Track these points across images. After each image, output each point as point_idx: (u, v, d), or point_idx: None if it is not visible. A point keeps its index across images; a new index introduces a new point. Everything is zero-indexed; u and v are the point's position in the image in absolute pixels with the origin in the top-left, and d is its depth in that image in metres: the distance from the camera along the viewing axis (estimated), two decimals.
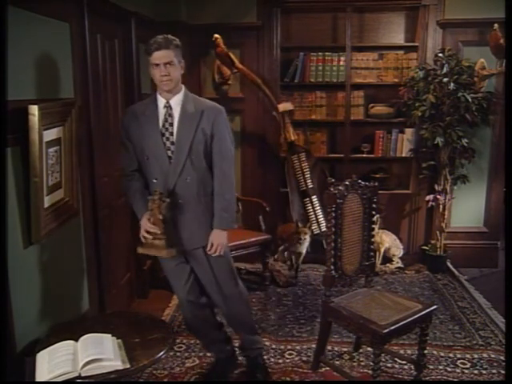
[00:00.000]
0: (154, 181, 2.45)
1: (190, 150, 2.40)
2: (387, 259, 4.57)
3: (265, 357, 3.08)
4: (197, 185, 2.45)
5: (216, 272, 2.59)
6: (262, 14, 4.45)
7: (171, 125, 2.42)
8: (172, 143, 2.41)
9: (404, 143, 4.61)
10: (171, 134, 2.41)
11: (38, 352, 1.99)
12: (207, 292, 2.66)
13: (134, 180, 2.52)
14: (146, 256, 3.16)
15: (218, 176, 2.49)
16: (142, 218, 2.46)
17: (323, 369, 2.96)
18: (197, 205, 2.48)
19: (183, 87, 2.48)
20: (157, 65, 2.33)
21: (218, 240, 2.50)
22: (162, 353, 2.08)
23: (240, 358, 2.97)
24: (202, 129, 2.41)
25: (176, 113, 2.42)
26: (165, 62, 2.32)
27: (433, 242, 4.57)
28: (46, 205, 2.29)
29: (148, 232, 2.42)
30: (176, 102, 2.43)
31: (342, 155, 4.69)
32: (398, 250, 4.55)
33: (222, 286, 2.62)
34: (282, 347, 3.23)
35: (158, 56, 2.31)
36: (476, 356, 3.13)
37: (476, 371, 2.96)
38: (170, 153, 2.42)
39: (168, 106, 2.42)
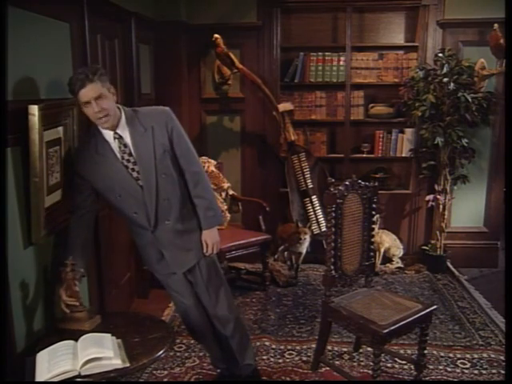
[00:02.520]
0: (135, 215, 2.36)
1: (156, 169, 2.30)
2: (387, 259, 4.57)
3: (264, 357, 3.09)
4: (176, 200, 2.39)
5: (208, 277, 2.55)
6: (262, 14, 4.45)
7: (130, 154, 2.29)
8: (138, 172, 2.31)
9: (404, 143, 4.61)
10: (134, 163, 2.30)
11: (38, 352, 1.99)
12: (202, 301, 2.60)
13: (83, 219, 2.37)
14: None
15: (190, 180, 2.42)
16: (59, 290, 2.24)
17: (323, 369, 2.96)
18: (185, 221, 2.43)
19: (121, 107, 2.31)
20: (87, 104, 2.15)
21: (212, 239, 2.48)
22: (161, 352, 2.08)
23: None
24: (159, 143, 2.31)
25: (127, 139, 2.28)
26: (94, 96, 2.14)
27: (433, 242, 4.57)
28: (46, 205, 2.29)
29: (67, 305, 2.24)
30: (122, 128, 2.28)
31: (342, 155, 4.69)
32: (398, 250, 4.55)
33: (212, 288, 2.57)
34: (282, 347, 3.23)
35: (85, 93, 2.13)
36: (476, 356, 3.13)
37: (476, 371, 2.96)
38: (140, 182, 2.31)
39: (118, 137, 2.28)
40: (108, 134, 2.29)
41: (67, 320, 2.28)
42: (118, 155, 2.30)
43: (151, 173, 2.31)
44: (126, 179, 2.31)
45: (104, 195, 2.39)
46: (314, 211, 4.43)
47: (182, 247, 2.46)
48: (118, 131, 2.28)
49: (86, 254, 2.41)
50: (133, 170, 2.31)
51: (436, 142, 4.19)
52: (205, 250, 2.49)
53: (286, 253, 4.41)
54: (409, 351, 3.15)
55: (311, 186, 4.45)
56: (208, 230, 2.48)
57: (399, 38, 4.66)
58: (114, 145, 2.29)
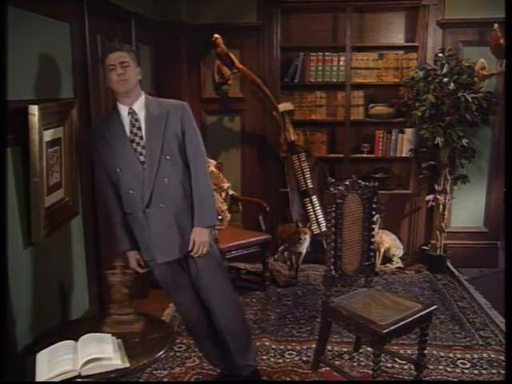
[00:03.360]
0: (130, 191, 2.38)
1: (162, 149, 2.35)
2: (387, 259, 4.57)
3: (264, 357, 3.09)
4: (176, 187, 2.41)
5: (206, 273, 2.53)
6: (262, 14, 4.45)
7: (139, 129, 2.37)
8: (143, 147, 2.36)
9: (404, 143, 4.61)
10: (141, 138, 2.36)
11: (38, 352, 1.99)
12: (203, 298, 2.60)
13: (116, 207, 2.47)
14: None
15: (193, 172, 2.45)
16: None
17: (323, 369, 2.96)
18: (180, 208, 2.43)
19: (143, 92, 2.44)
20: (112, 67, 2.29)
21: (199, 238, 2.43)
22: (161, 352, 2.08)
23: None
24: (171, 128, 2.38)
25: (141, 117, 2.38)
26: (120, 61, 2.29)
27: (433, 242, 4.57)
28: (46, 205, 2.29)
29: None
30: (139, 106, 2.39)
31: (342, 155, 4.69)
32: (397, 250, 4.55)
33: (214, 287, 2.55)
34: (282, 347, 3.23)
35: (113, 57, 2.30)
36: (476, 356, 3.12)
37: (476, 371, 2.96)
38: (142, 158, 2.36)
39: (132, 112, 2.37)
40: (123, 109, 2.38)
41: (114, 323, 2.26)
42: (127, 130, 2.37)
43: (156, 151, 2.36)
44: (128, 153, 2.36)
45: (109, 171, 2.42)
46: (314, 211, 4.43)
47: (169, 237, 2.43)
48: (133, 107, 2.37)
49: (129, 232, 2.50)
50: (138, 144, 2.37)
51: (436, 142, 4.19)
52: (190, 248, 2.45)
53: (285, 253, 4.41)
54: (409, 351, 3.15)
55: (311, 186, 4.45)
56: (198, 228, 2.45)
57: (399, 38, 4.66)
58: (126, 119, 2.37)
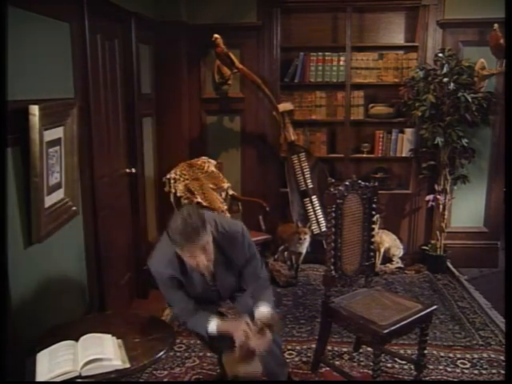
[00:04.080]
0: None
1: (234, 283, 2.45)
2: (387, 259, 4.57)
3: None
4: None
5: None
6: (261, 14, 4.45)
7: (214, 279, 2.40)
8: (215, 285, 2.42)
9: (404, 143, 4.61)
10: (215, 285, 2.41)
11: (38, 352, 1.99)
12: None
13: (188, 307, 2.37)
14: (146, 256, 3.14)
15: (257, 283, 2.44)
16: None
17: (323, 369, 2.96)
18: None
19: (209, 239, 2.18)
20: (193, 254, 2.12)
21: (259, 346, 2.15)
22: (162, 353, 2.08)
23: None
24: (236, 260, 2.37)
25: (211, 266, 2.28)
26: (201, 249, 2.11)
27: (433, 242, 4.57)
28: (46, 205, 2.29)
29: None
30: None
31: (342, 155, 4.69)
32: (397, 250, 4.55)
33: None
34: (282, 347, 3.22)
35: (193, 249, 2.09)
36: (476, 356, 3.13)
37: (476, 371, 2.96)
38: (215, 288, 2.43)
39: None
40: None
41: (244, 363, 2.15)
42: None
43: (229, 288, 2.48)
44: (204, 289, 2.38)
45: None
46: (314, 211, 4.43)
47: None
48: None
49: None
50: (212, 284, 2.40)
51: (436, 142, 4.19)
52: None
53: (285, 253, 4.41)
54: (409, 351, 3.15)
55: (311, 185, 4.45)
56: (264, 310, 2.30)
57: (399, 38, 4.66)
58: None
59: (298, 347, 3.23)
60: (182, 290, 2.34)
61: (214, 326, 2.24)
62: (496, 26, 3.89)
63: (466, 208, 4.65)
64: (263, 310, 2.27)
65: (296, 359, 3.09)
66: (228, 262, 2.36)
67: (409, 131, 4.57)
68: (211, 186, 4.07)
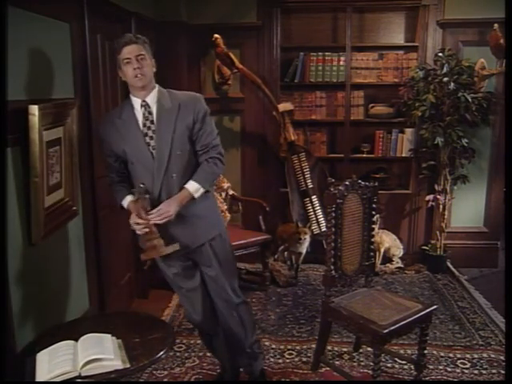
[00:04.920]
0: (141, 185, 2.34)
1: (172, 144, 2.31)
2: (387, 259, 4.57)
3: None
4: (185, 179, 2.37)
5: (223, 265, 2.52)
6: (261, 14, 4.45)
7: (152, 122, 2.33)
8: (155, 142, 2.34)
9: (404, 143, 4.61)
10: (154, 131, 2.33)
11: (38, 352, 1.99)
12: (213, 297, 2.59)
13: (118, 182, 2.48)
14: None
15: (208, 152, 2.42)
16: (132, 216, 2.32)
17: (323, 369, 2.96)
18: (190, 206, 2.39)
19: (157, 85, 2.40)
20: (128, 60, 2.25)
21: (167, 207, 2.30)
22: (162, 353, 2.08)
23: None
24: (182, 121, 2.33)
25: (154, 110, 2.34)
26: (136, 54, 2.25)
27: (433, 242, 4.57)
28: (46, 205, 2.29)
29: (140, 226, 2.29)
30: (152, 99, 2.34)
31: (342, 155, 4.69)
32: (398, 250, 4.55)
33: (227, 282, 2.56)
34: (282, 347, 3.23)
35: (129, 50, 2.25)
36: (476, 356, 3.13)
37: (476, 371, 2.96)
38: (154, 153, 2.33)
39: (145, 105, 2.33)
40: (136, 102, 2.34)
41: (148, 250, 2.32)
42: (140, 122, 2.34)
43: (167, 146, 2.33)
44: (141, 146, 2.34)
45: (119, 162, 2.43)
46: (314, 211, 4.43)
47: (182, 228, 2.40)
48: (146, 99, 2.34)
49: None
50: (151, 138, 2.34)
51: (436, 142, 4.19)
52: (153, 211, 2.30)
53: (285, 253, 4.41)
54: (409, 351, 3.15)
55: (311, 186, 4.45)
56: (190, 185, 2.35)
57: (399, 38, 4.66)
58: (139, 112, 2.34)
59: (297, 347, 3.23)
60: (119, 160, 2.43)
61: (125, 202, 2.44)
62: (496, 26, 3.90)
63: (466, 208, 4.65)
64: (187, 186, 2.36)
65: (296, 359, 3.09)
66: (174, 127, 2.33)
67: (409, 131, 4.57)
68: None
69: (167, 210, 2.30)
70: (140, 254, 2.41)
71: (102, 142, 2.45)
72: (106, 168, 2.53)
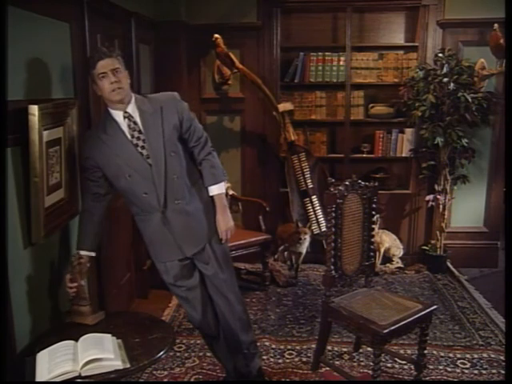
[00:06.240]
0: (145, 195, 2.36)
1: (164, 147, 2.33)
2: (387, 259, 4.57)
3: (264, 357, 3.09)
4: (186, 180, 2.42)
5: (221, 263, 2.55)
6: (261, 14, 4.45)
7: (140, 132, 2.32)
8: (147, 150, 2.33)
9: (404, 143, 4.61)
10: (144, 141, 2.32)
11: (38, 352, 1.99)
12: (212, 296, 2.60)
13: (97, 205, 2.43)
14: (147, 256, 3.15)
15: (196, 146, 2.47)
16: (65, 277, 2.33)
17: (323, 369, 2.96)
18: (195, 200, 2.45)
19: (133, 94, 2.38)
20: (103, 74, 2.23)
21: (226, 224, 2.49)
22: (162, 353, 2.08)
23: None
24: (168, 122, 2.35)
25: (137, 119, 2.33)
26: (111, 68, 2.23)
27: (433, 242, 4.57)
28: (47, 205, 2.29)
29: (72, 297, 2.33)
30: (133, 108, 2.34)
31: (342, 155, 4.69)
32: (398, 250, 4.55)
33: (226, 279, 2.57)
34: (282, 347, 3.23)
35: (103, 64, 2.23)
36: (476, 356, 3.13)
37: (476, 371, 2.97)
38: (150, 161, 2.33)
39: (128, 116, 2.32)
40: (117, 115, 2.32)
41: (72, 313, 2.35)
42: (128, 134, 2.32)
43: (160, 151, 2.33)
44: (135, 158, 2.33)
45: (114, 179, 2.38)
46: (314, 211, 4.43)
47: (192, 228, 2.45)
48: (127, 110, 2.32)
49: (97, 240, 2.49)
50: (142, 147, 2.33)
51: (436, 142, 4.19)
52: (221, 237, 2.50)
53: (285, 253, 4.41)
54: (409, 351, 3.15)
55: (311, 186, 4.45)
56: (220, 215, 2.48)
57: (399, 38, 4.66)
58: (124, 124, 2.32)
59: (297, 347, 3.23)
60: (103, 177, 2.38)
61: (81, 251, 2.41)
62: (496, 26, 3.90)
63: (466, 208, 4.65)
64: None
65: (296, 359, 3.09)
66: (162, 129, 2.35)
67: (409, 131, 4.57)
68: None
69: (227, 226, 2.49)
70: (65, 314, 2.42)
71: (85, 160, 2.39)
72: (82, 192, 2.52)
